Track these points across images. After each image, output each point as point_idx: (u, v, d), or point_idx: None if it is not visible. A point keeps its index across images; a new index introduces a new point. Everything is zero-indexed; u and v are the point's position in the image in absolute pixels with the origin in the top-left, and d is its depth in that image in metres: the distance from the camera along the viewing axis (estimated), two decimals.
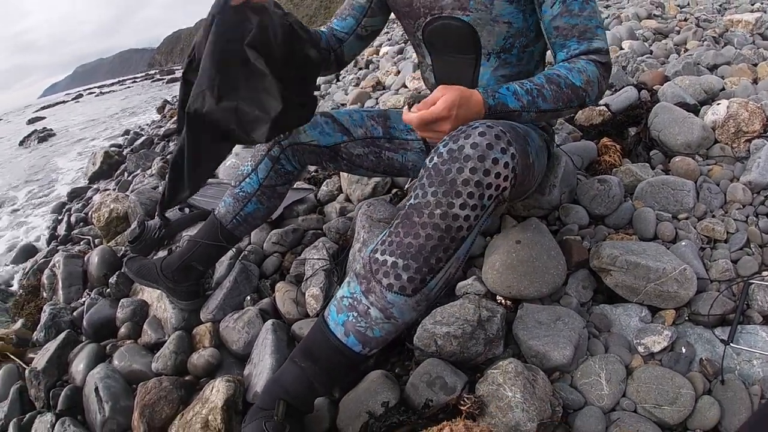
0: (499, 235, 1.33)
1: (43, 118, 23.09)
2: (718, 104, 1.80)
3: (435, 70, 1.34)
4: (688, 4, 4.74)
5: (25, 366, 1.60)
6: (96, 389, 1.28)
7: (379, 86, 3.91)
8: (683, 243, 1.29)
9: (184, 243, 1.80)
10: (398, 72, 3.98)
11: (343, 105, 3.60)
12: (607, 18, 4.28)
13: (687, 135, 1.71)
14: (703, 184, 1.52)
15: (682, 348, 1.05)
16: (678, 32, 3.48)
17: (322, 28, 1.43)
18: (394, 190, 1.91)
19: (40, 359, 1.52)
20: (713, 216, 1.45)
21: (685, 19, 3.91)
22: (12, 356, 1.67)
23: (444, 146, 0.86)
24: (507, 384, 0.94)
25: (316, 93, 1.08)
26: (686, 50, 2.98)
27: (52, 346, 1.55)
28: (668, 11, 4.33)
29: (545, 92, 1.00)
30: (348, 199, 1.97)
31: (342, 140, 1.40)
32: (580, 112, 2.07)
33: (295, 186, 2.04)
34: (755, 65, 2.44)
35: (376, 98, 3.47)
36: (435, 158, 0.86)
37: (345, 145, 1.41)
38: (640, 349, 1.07)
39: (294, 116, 1.19)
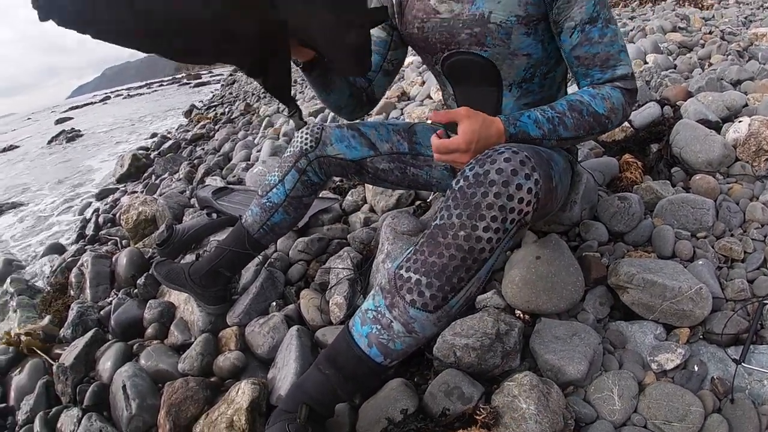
0: (519, 250, 1.36)
1: (71, 118, 23.48)
2: (740, 122, 1.81)
3: (457, 100, 1.35)
4: (714, 17, 4.71)
5: (51, 361, 1.66)
6: (123, 387, 1.34)
7: (404, 96, 3.93)
8: (700, 262, 1.31)
9: (211, 248, 1.86)
10: (423, 82, 4.00)
11: (368, 115, 3.66)
12: (632, 30, 4.26)
13: (708, 153, 1.72)
14: (722, 203, 1.53)
15: (695, 366, 1.08)
16: (703, 46, 3.47)
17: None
18: (418, 202, 1.94)
19: (67, 355, 1.58)
20: (732, 235, 1.46)
21: (710, 32, 3.89)
22: (39, 351, 1.74)
23: (470, 170, 0.89)
24: (522, 396, 0.97)
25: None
26: (710, 64, 2.98)
27: (80, 344, 1.60)
28: (693, 24, 4.31)
29: (566, 120, 1.03)
30: (372, 210, 2.01)
31: (368, 155, 1.43)
32: None
33: (320, 195, 2.09)
34: None
35: (401, 109, 3.49)
36: (461, 181, 0.89)
37: (371, 159, 1.44)
38: (654, 366, 1.09)
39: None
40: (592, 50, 1.08)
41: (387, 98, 3.80)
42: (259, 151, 3.58)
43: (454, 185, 0.90)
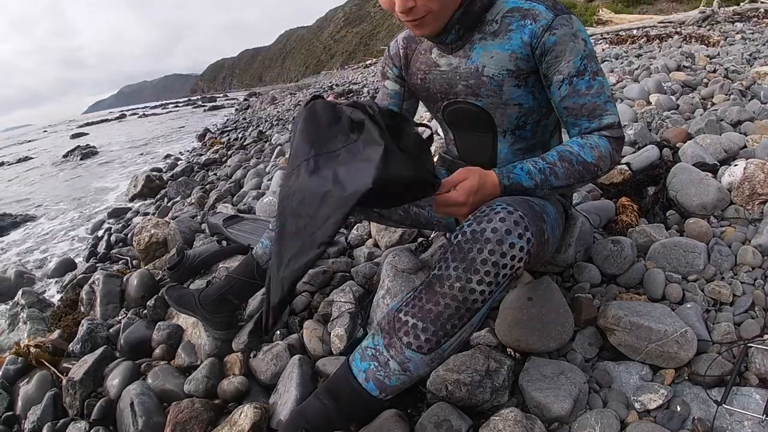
0: (513, 291, 1.41)
1: (87, 134, 23.84)
2: (736, 165, 1.85)
3: (457, 145, 1.45)
4: (719, 54, 4.78)
5: (59, 374, 1.72)
6: (132, 404, 1.40)
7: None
8: (689, 305, 1.36)
9: (221, 275, 1.94)
10: (431, 119, 4.08)
11: None
12: (637, 69, 4.34)
13: (703, 196, 1.78)
14: (714, 246, 1.57)
15: (677, 406, 1.12)
16: (706, 85, 3.54)
17: None
18: (420, 239, 2.00)
19: (77, 370, 1.63)
20: (722, 278, 1.50)
21: (714, 71, 3.96)
22: (47, 364, 1.79)
23: (468, 226, 0.96)
24: (506, 430, 1.02)
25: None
26: (713, 104, 3.04)
27: (89, 359, 1.66)
28: (698, 62, 4.38)
29: (557, 170, 1.10)
30: (376, 245, 2.07)
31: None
32: None
33: None
34: None
35: None
36: (460, 236, 0.96)
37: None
38: (637, 405, 1.13)
39: (402, 166, 0.98)
40: (579, 101, 1.15)
41: None
42: (270, 180, 3.67)
43: (453, 240, 0.98)
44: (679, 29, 9.92)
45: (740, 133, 2.37)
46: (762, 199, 1.74)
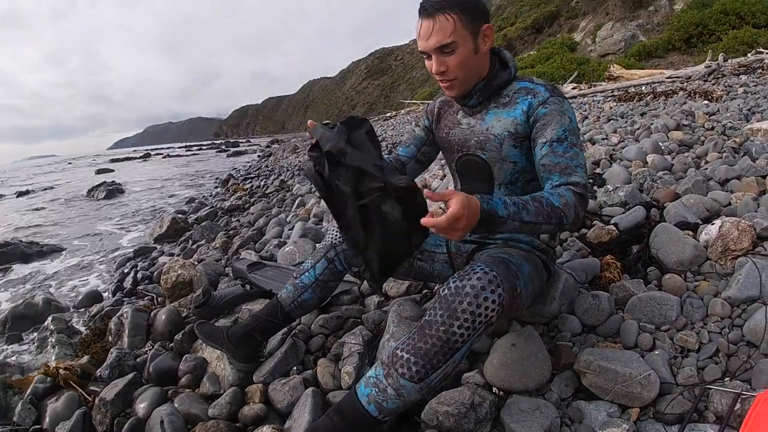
0: (501, 339, 1.62)
1: (112, 170, 24.61)
2: (713, 224, 2.01)
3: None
4: (718, 111, 4.94)
5: (86, 396, 1.92)
6: (161, 421, 1.60)
7: (425, 188, 4.19)
8: (656, 352, 1.53)
9: (244, 316, 2.17)
10: (444, 176, 4.28)
11: None
12: (638, 129, 4.53)
13: (680, 254, 1.94)
14: (686, 299, 1.74)
15: None
16: (702, 143, 3.67)
17: (389, 157, 1.86)
18: (425, 291, 2.21)
19: (109, 391, 1.84)
20: (692, 328, 1.66)
21: (712, 128, 4.10)
22: (75, 385, 1.98)
23: (453, 282, 1.22)
24: None
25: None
26: (706, 162, 3.17)
27: (120, 383, 1.88)
28: (698, 120, 4.54)
29: (529, 207, 1.27)
30: (385, 295, 2.29)
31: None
32: (591, 230, 2.33)
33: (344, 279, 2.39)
34: (764, 177, 2.63)
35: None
36: (446, 290, 1.22)
37: None
38: None
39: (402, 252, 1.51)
40: (555, 160, 1.40)
41: None
42: (291, 229, 3.88)
43: (441, 293, 1.23)
44: (685, 84, 10.12)
45: (727, 191, 2.53)
46: (734, 255, 1.89)
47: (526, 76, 1.58)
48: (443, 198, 1.15)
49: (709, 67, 11.69)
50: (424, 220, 1.14)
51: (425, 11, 1.42)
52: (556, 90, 1.50)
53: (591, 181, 3.12)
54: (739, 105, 5.22)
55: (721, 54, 12.56)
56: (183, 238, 5.19)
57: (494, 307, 1.19)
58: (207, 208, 6.79)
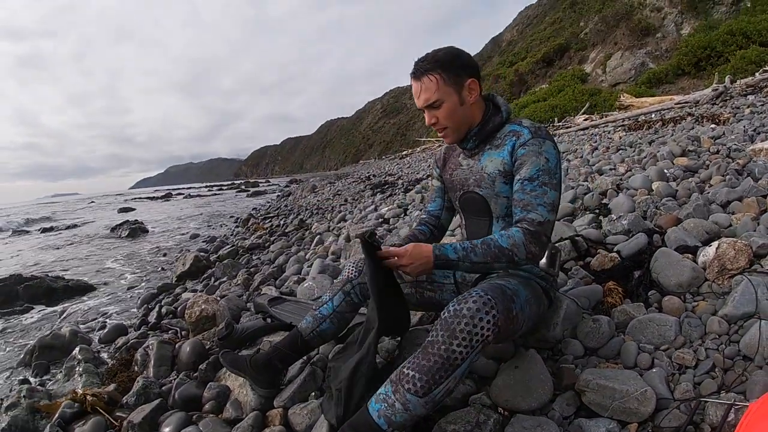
0: (506, 363, 1.72)
1: (134, 209, 25.28)
2: (710, 246, 2.09)
3: (465, 229, 1.90)
4: (723, 134, 4.98)
5: (113, 421, 2.04)
6: None
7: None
8: (654, 370, 1.61)
9: (266, 347, 2.30)
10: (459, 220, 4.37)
11: None
12: (645, 157, 4.60)
13: (679, 276, 2.02)
14: (685, 319, 1.81)
15: None
16: (707, 167, 3.72)
17: (423, 215, 2.13)
18: (434, 324, 2.31)
19: (136, 415, 1.98)
20: (691, 346, 1.73)
21: (717, 152, 4.14)
22: (101, 411, 2.10)
23: (452, 306, 1.37)
24: None
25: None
26: (710, 186, 3.22)
27: (147, 408, 2.01)
28: (703, 144, 4.59)
29: (477, 250, 1.54)
30: None
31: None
32: (594, 258, 2.42)
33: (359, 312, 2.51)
34: (765, 197, 2.68)
35: None
36: (446, 313, 1.37)
37: None
38: None
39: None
40: (521, 196, 1.60)
41: None
42: (309, 266, 4.02)
43: (442, 316, 1.37)
44: (693, 109, 10.18)
45: (728, 213, 2.61)
46: (731, 274, 1.96)
47: (517, 119, 1.75)
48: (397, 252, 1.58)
49: (716, 89, 11.72)
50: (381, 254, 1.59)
51: (413, 74, 1.68)
52: (539, 132, 1.66)
53: (597, 212, 3.21)
54: (744, 126, 5.27)
55: (727, 76, 12.57)
56: (205, 275, 5.34)
57: (489, 327, 1.32)
58: (228, 246, 6.96)
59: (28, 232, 17.71)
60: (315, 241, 5.35)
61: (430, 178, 2.20)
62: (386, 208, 6.18)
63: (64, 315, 4.96)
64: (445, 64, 1.64)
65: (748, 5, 20.11)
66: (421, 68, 1.65)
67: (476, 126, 1.74)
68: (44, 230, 17.41)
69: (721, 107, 9.02)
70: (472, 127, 1.74)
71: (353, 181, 16.98)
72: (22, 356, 3.24)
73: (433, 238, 2.07)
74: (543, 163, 1.59)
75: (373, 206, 7.50)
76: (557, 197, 1.62)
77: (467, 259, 1.54)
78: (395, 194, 8.76)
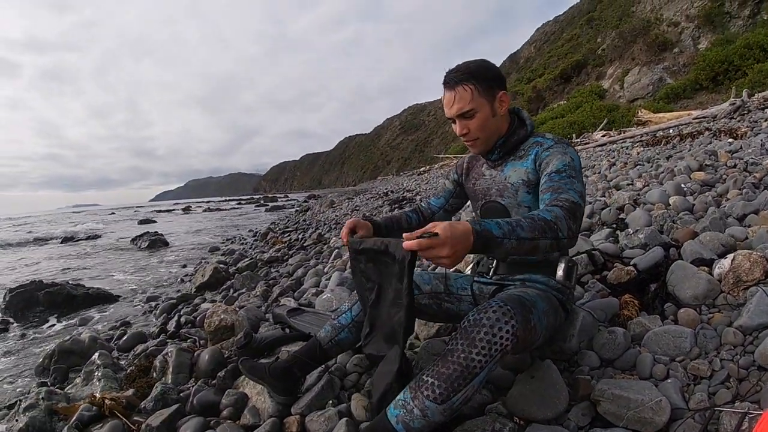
0: (523, 373, 1.75)
1: (154, 221, 25.49)
2: (726, 258, 2.11)
3: None
4: (741, 148, 4.96)
5: (130, 425, 2.06)
6: None
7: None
8: (669, 380, 1.63)
9: (284, 356, 2.34)
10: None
11: None
12: (662, 172, 4.60)
13: (695, 288, 2.04)
14: (700, 331, 1.82)
15: None
16: (724, 181, 3.72)
17: (423, 204, 2.20)
18: (454, 333, 2.35)
19: (155, 419, 2.00)
20: (706, 357, 1.74)
21: (734, 166, 4.13)
22: (119, 415, 2.13)
23: (472, 315, 1.39)
24: None
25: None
26: (727, 199, 3.23)
27: (166, 412, 2.03)
28: (720, 159, 4.58)
29: (523, 224, 1.35)
30: (417, 337, 2.42)
31: (414, 294, 1.91)
32: (611, 272, 2.43)
33: None
34: None
35: None
36: (465, 322, 1.39)
37: (415, 297, 1.92)
38: None
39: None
40: (549, 184, 1.60)
41: None
42: (328, 279, 4.06)
43: (461, 324, 1.40)
44: (711, 124, 10.11)
45: (744, 226, 2.62)
46: (746, 286, 1.97)
47: (540, 132, 1.83)
48: (427, 230, 1.23)
49: (734, 104, 11.65)
50: (406, 236, 1.25)
51: (447, 84, 1.72)
52: (562, 140, 1.74)
53: (615, 226, 3.23)
54: (761, 140, 5.24)
55: (745, 90, 12.48)
56: (224, 286, 5.37)
57: (509, 336, 1.35)
58: (247, 259, 6.97)
59: (48, 241, 17.99)
60: (333, 255, 5.39)
61: (445, 179, 2.24)
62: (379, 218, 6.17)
63: (83, 322, 5.04)
64: (479, 76, 1.69)
65: (765, 18, 19.96)
66: (456, 78, 1.69)
67: (502, 138, 1.81)
68: (65, 239, 17.65)
69: (738, 121, 8.97)
70: (498, 139, 1.81)
71: (371, 197, 17.05)
72: (41, 360, 3.26)
73: (416, 226, 2.07)
74: (569, 161, 1.65)
75: None
76: (584, 191, 1.61)
77: (513, 235, 1.31)
78: None
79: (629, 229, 2.92)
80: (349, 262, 1.89)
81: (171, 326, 3.98)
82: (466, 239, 1.23)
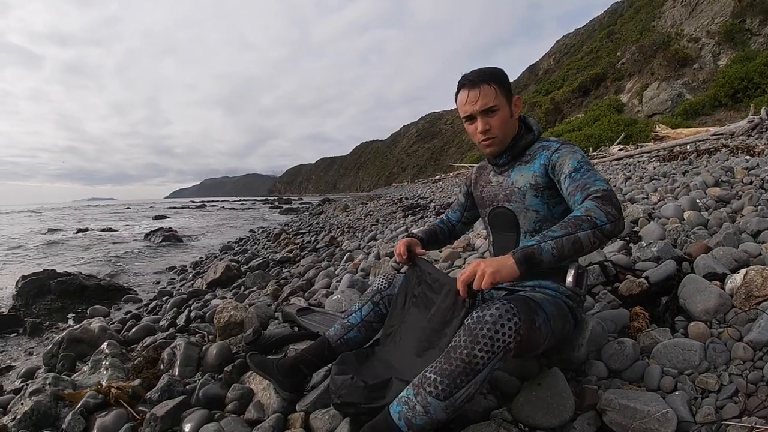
0: (529, 381, 1.75)
1: (168, 217, 26.05)
2: (738, 273, 2.10)
3: (493, 245, 1.96)
4: (758, 165, 4.92)
5: (135, 414, 2.10)
6: None
7: (468, 247, 4.27)
8: (677, 393, 1.62)
9: (291, 353, 2.36)
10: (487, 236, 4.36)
11: (436, 261, 3.99)
12: (677, 187, 4.57)
13: (706, 302, 2.02)
14: (710, 345, 1.81)
15: None
16: (739, 197, 3.69)
17: (443, 217, 2.34)
18: (458, 330, 2.35)
19: (160, 409, 2.04)
20: (715, 371, 1.73)
21: (750, 182, 4.11)
22: (124, 404, 2.16)
23: (476, 313, 1.41)
24: None
25: None
26: (742, 216, 3.20)
27: (171, 403, 2.07)
28: (736, 175, 4.55)
29: (553, 227, 1.43)
30: None
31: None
32: (623, 284, 2.42)
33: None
34: None
35: (465, 258, 3.90)
36: (469, 320, 1.41)
37: None
38: None
39: None
40: (574, 184, 1.62)
41: (453, 248, 4.14)
42: (339, 281, 4.08)
43: (465, 321, 1.42)
44: (728, 141, 10.03)
45: (758, 243, 2.59)
46: (758, 301, 1.95)
47: (544, 137, 1.87)
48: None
49: (752, 121, 11.58)
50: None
51: (470, 82, 1.77)
52: (565, 141, 1.79)
53: (628, 239, 3.22)
54: None
55: (763, 108, 12.35)
56: (235, 284, 5.42)
57: (511, 333, 1.37)
58: (259, 258, 7.03)
59: (62, 230, 18.33)
60: (345, 258, 5.42)
61: (458, 191, 2.33)
62: (417, 230, 6.19)
63: (93, 311, 5.10)
64: (499, 79, 1.77)
65: None
66: (480, 77, 1.76)
67: (511, 141, 1.85)
68: (79, 230, 18.18)
69: (756, 139, 8.90)
70: (510, 142, 1.84)
71: (385, 203, 17.03)
72: (50, 347, 3.26)
73: (447, 237, 2.28)
74: (580, 158, 1.68)
75: (404, 227, 7.55)
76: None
77: (547, 238, 1.40)
78: (426, 216, 8.81)
79: (642, 242, 2.91)
80: (398, 278, 2.03)
81: (181, 320, 4.03)
82: (503, 260, 1.40)
